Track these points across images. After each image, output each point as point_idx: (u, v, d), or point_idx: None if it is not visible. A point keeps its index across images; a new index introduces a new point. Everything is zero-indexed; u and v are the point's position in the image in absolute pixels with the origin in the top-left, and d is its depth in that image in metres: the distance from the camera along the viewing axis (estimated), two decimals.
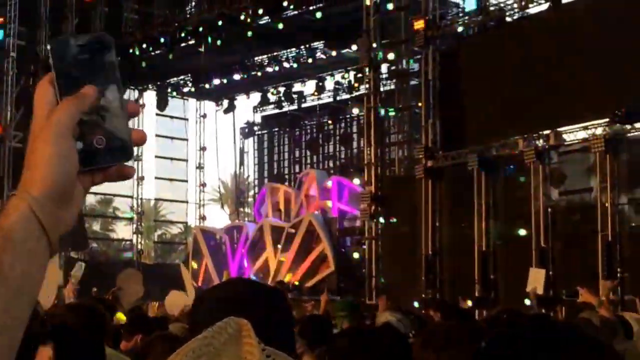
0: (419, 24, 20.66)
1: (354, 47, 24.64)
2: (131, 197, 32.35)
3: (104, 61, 1.24)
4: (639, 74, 16.18)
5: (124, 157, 1.24)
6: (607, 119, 16.94)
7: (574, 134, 18.17)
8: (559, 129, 18.12)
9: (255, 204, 31.47)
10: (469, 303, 16.68)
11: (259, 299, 2.00)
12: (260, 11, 24.41)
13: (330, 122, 31.27)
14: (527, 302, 15.42)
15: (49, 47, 1.29)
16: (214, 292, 2.18)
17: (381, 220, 21.71)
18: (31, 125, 1.22)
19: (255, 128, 34.67)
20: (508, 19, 19.90)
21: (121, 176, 1.27)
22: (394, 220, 21.76)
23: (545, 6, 19.08)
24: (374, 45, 22.02)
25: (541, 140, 18.37)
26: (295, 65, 28.95)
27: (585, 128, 17.78)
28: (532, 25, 19.18)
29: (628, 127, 16.84)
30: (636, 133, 17.08)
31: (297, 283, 24.52)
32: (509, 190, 19.39)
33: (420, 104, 21.22)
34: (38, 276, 1.20)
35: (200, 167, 34.32)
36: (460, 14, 21.51)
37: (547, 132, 18.24)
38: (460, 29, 20.87)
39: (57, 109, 1.20)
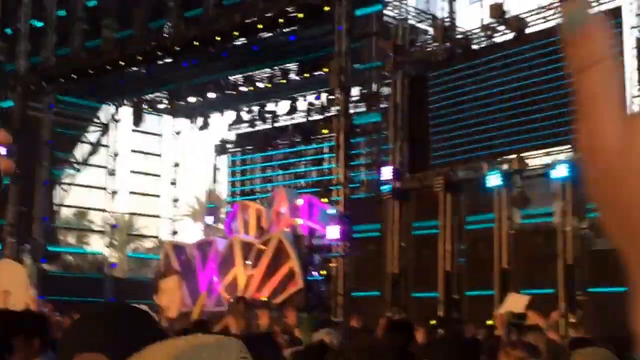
0: (389, 49, 21.22)
1: (326, 70, 25.04)
2: (104, 210, 32.45)
3: None
4: None
5: None
6: (569, 146, 17.46)
7: (537, 159, 18.69)
8: (522, 154, 18.63)
9: (226, 220, 31.64)
10: None
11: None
12: (236, 33, 24.82)
13: (301, 142, 31.67)
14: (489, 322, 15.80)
15: None
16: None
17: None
18: None
19: (229, 146, 34.92)
20: (475, 47, 20.43)
21: None
22: (361, 237, 22.02)
23: (510, 36, 19.67)
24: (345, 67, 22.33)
25: (505, 165, 18.87)
26: (269, 85, 29.47)
27: (548, 154, 18.30)
28: (497, 54, 19.69)
29: None
30: None
31: (265, 299, 24.77)
32: (473, 212, 19.85)
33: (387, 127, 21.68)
34: None
35: (173, 182, 34.64)
36: (429, 42, 22.02)
37: (511, 156, 18.75)
38: (428, 55, 21.39)
39: None
